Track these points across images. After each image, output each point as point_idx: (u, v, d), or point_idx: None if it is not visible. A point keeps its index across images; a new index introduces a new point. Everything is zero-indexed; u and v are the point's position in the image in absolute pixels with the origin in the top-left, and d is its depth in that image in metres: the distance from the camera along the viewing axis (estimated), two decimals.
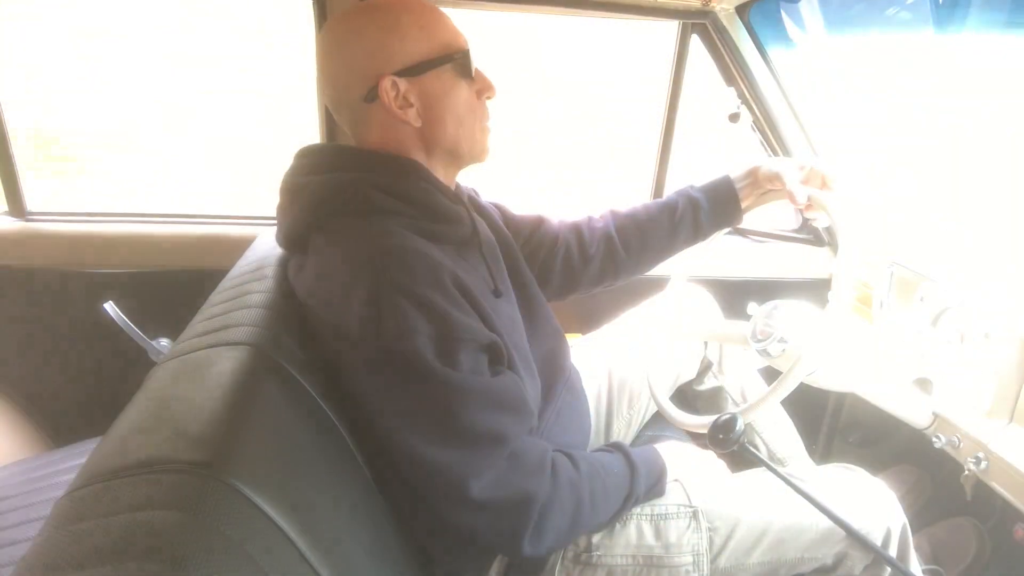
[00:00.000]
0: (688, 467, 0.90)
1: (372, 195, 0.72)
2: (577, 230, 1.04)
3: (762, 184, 0.98)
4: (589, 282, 1.05)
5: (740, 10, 1.28)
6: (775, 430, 1.16)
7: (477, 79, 0.78)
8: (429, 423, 0.67)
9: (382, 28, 0.73)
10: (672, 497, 0.84)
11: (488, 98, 0.80)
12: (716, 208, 1.00)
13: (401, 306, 0.65)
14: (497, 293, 0.79)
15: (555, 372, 0.90)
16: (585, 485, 0.75)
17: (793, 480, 0.80)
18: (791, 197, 0.91)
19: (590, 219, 1.05)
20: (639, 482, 0.81)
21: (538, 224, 1.02)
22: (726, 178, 1.01)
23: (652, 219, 1.02)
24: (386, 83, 0.73)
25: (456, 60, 0.75)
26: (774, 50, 1.34)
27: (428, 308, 0.66)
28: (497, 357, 0.74)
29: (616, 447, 0.85)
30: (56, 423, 1.47)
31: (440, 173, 0.80)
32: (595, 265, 1.03)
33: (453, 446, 0.67)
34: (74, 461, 1.21)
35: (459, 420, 0.67)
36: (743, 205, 1.00)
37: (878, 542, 0.84)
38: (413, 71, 0.73)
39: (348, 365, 0.70)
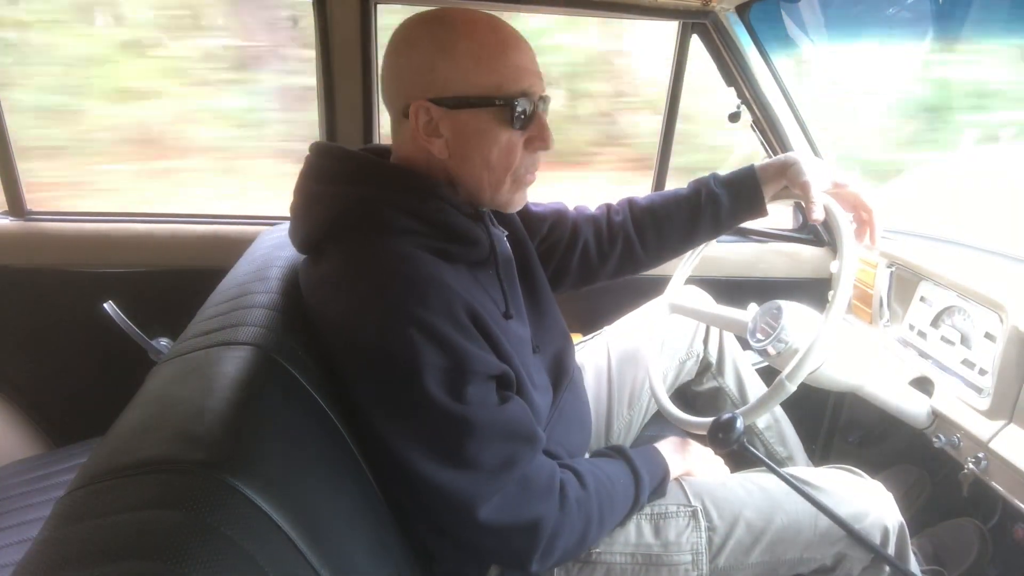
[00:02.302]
0: (690, 464, 0.90)
1: (389, 215, 0.70)
2: (596, 224, 1.02)
3: (789, 185, 0.94)
4: (606, 276, 1.05)
5: (740, 10, 1.28)
6: (775, 430, 1.16)
7: (533, 127, 0.72)
8: (436, 451, 0.67)
9: (436, 46, 0.68)
10: (672, 496, 0.85)
11: (539, 149, 0.75)
12: (739, 204, 0.98)
13: (413, 339, 0.64)
14: (508, 315, 0.78)
15: (561, 374, 0.90)
16: (593, 502, 0.75)
17: (792, 480, 0.81)
18: (808, 210, 0.89)
19: (609, 211, 1.03)
20: (643, 490, 0.81)
21: (556, 219, 1.00)
22: (751, 172, 0.97)
23: (671, 216, 1.00)
24: (418, 107, 0.69)
25: (500, 104, 0.69)
26: (774, 50, 1.34)
27: (440, 341, 0.65)
28: (506, 384, 0.73)
29: (618, 452, 0.84)
30: (56, 423, 1.48)
31: (462, 198, 0.77)
32: (613, 262, 1.02)
33: (461, 472, 0.67)
34: (74, 461, 1.21)
35: (467, 450, 0.67)
36: (767, 199, 0.97)
37: (876, 541, 0.84)
38: (448, 103, 0.69)
39: (356, 384, 0.69)
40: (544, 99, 0.73)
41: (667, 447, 0.90)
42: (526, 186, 0.78)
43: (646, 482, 0.81)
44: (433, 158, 0.73)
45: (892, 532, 0.85)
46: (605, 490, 0.77)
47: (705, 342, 1.16)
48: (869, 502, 0.86)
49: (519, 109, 0.70)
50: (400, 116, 0.72)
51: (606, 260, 1.02)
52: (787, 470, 0.90)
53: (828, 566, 0.85)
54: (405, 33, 0.72)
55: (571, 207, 1.04)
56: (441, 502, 0.68)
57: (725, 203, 0.97)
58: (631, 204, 1.03)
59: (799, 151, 0.95)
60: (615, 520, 0.80)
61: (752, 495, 0.85)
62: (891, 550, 0.86)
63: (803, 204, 0.91)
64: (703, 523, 0.82)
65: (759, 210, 0.98)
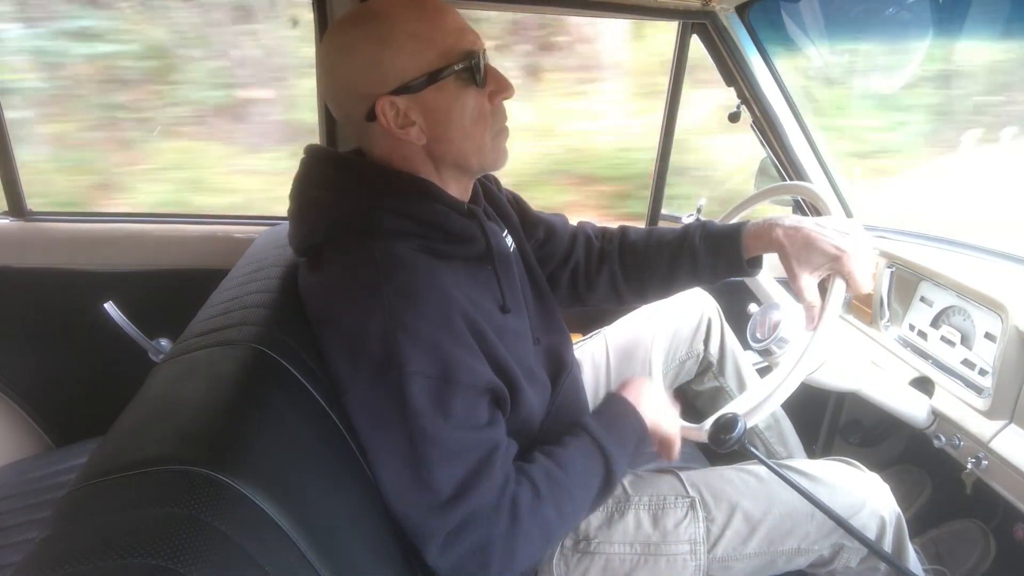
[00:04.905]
0: (649, 414, 0.82)
1: (383, 219, 0.70)
2: (588, 249, 1.01)
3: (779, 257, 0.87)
4: (594, 302, 1.04)
5: (740, 10, 1.28)
6: (775, 430, 1.16)
7: (490, 80, 0.72)
8: (403, 467, 0.66)
9: (374, 42, 0.68)
10: (669, 487, 0.85)
11: (504, 99, 0.74)
12: (717, 262, 0.93)
13: (405, 346, 0.64)
14: (505, 309, 0.78)
15: (560, 366, 0.89)
16: (549, 505, 0.71)
17: (790, 477, 0.81)
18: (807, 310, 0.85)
19: (603, 238, 1.02)
20: (615, 464, 0.76)
21: (552, 230, 0.99)
22: (736, 234, 0.90)
23: (651, 260, 0.97)
24: (383, 104, 0.69)
25: (459, 69, 0.69)
26: (774, 50, 1.34)
27: (434, 351, 0.65)
28: (498, 401, 0.73)
29: (584, 429, 0.77)
30: (56, 423, 1.48)
31: (453, 185, 0.77)
32: (599, 290, 1.02)
33: (418, 498, 0.66)
34: (74, 461, 1.21)
35: (430, 472, 0.65)
36: (746, 260, 0.91)
37: (873, 533, 0.85)
38: (411, 88, 0.68)
39: (347, 389, 0.69)
40: (485, 50, 0.72)
41: (640, 398, 0.82)
42: (505, 137, 0.77)
43: (615, 456, 0.76)
44: (411, 153, 0.74)
45: (889, 523, 0.86)
46: (562, 486, 0.73)
47: (706, 342, 1.16)
48: (866, 493, 0.86)
49: (476, 66, 0.70)
50: (363, 121, 0.72)
51: (592, 287, 1.01)
52: (785, 461, 0.90)
53: (826, 557, 0.85)
54: (338, 39, 0.71)
55: (571, 223, 1.04)
56: (402, 518, 0.68)
57: (703, 259, 0.92)
58: (622, 237, 1.01)
59: (792, 221, 0.85)
60: (583, 505, 0.76)
61: (749, 486, 0.85)
62: (888, 541, 0.86)
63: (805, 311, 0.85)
64: (701, 513, 0.82)
65: (739, 271, 0.92)
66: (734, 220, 1.07)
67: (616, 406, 0.81)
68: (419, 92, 0.69)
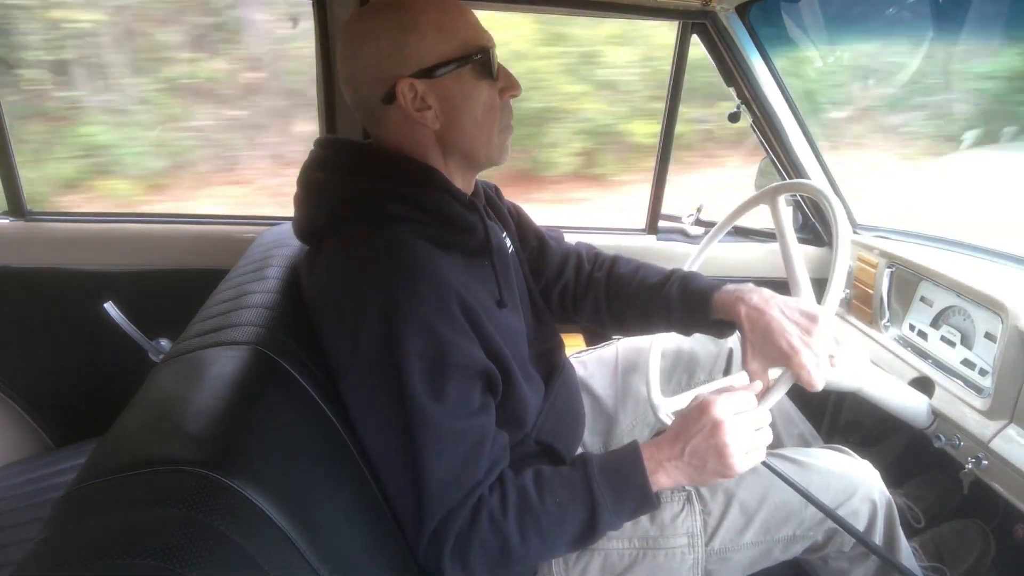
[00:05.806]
0: (699, 474, 0.75)
1: (387, 204, 0.72)
2: (578, 270, 1.01)
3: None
4: (581, 323, 1.04)
5: (740, 10, 1.28)
6: (782, 423, 1.15)
7: (500, 77, 0.76)
8: (397, 448, 0.67)
9: (399, 27, 0.71)
10: None
11: (512, 97, 0.78)
12: (688, 318, 0.90)
13: (403, 332, 0.65)
14: (501, 304, 0.78)
15: (553, 368, 0.91)
16: (512, 526, 0.69)
17: (783, 467, 0.82)
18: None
19: (594, 263, 1.01)
20: (601, 517, 0.72)
21: (544, 247, 1.00)
22: (707, 297, 0.85)
23: (630, 300, 0.95)
24: (403, 85, 0.72)
25: (476, 60, 0.73)
26: (774, 50, 1.34)
27: (429, 334, 0.66)
28: (492, 385, 0.73)
29: (584, 470, 0.73)
30: (56, 423, 1.48)
31: (458, 177, 0.79)
32: (584, 315, 1.01)
33: (409, 482, 0.67)
34: (74, 461, 1.21)
35: (423, 458, 0.66)
36: (715, 320, 0.86)
37: (865, 518, 0.86)
38: (431, 72, 0.72)
39: (342, 373, 0.70)
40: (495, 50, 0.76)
41: (659, 455, 0.75)
42: (509, 134, 0.81)
43: (604, 512, 0.72)
44: (423, 138, 0.76)
45: (880, 507, 0.87)
46: (534, 515, 0.71)
47: (725, 374, 1.13)
48: (857, 479, 0.87)
49: (491, 60, 0.74)
50: (379, 103, 0.74)
51: (578, 309, 1.01)
52: (780, 450, 0.90)
53: (820, 543, 0.86)
54: (362, 25, 0.74)
55: (567, 242, 1.04)
56: (395, 513, 0.70)
57: (675, 312, 0.90)
58: (611, 267, 1.00)
59: (758, 300, 0.78)
60: (555, 542, 0.72)
61: (744, 476, 0.85)
62: (879, 525, 0.87)
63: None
64: (697, 507, 0.83)
65: (710, 332, 0.89)
66: (736, 222, 1.05)
67: (626, 463, 0.74)
68: (438, 78, 0.72)
